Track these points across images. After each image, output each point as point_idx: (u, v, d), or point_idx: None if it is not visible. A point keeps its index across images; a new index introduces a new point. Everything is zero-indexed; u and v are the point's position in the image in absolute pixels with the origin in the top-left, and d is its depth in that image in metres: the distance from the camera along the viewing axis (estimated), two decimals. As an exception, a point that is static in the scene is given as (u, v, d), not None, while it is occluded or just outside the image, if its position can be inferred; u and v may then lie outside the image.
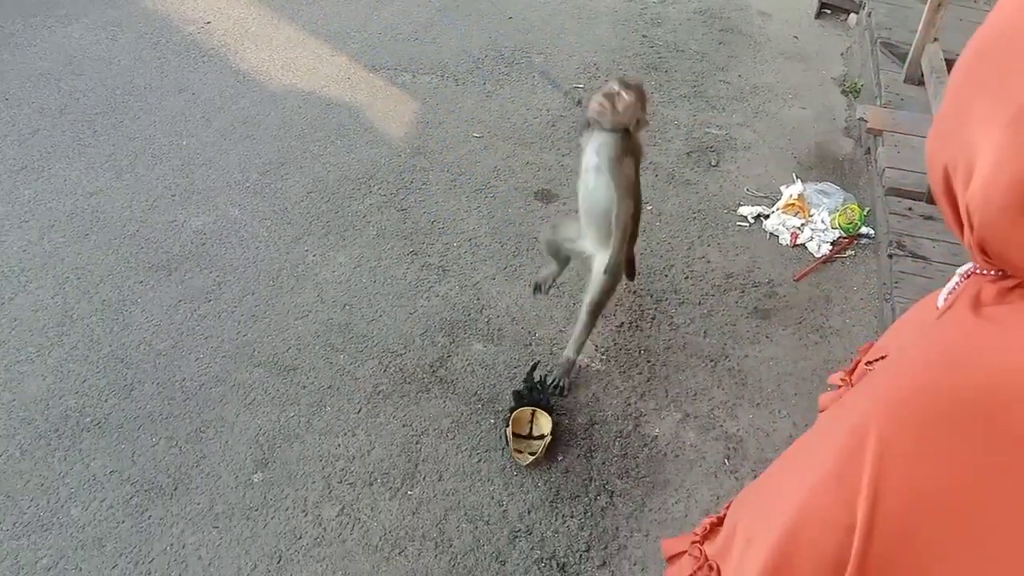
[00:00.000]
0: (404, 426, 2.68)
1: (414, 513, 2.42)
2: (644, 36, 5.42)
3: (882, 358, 1.06)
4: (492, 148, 4.13)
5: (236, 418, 2.65)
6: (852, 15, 5.78)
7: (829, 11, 5.91)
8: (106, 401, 2.67)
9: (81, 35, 4.86)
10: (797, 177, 3.98)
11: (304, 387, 2.79)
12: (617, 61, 5.06)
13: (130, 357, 2.83)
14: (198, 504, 2.38)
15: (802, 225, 3.63)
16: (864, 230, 3.62)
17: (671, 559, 1.34)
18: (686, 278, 3.39)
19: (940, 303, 0.93)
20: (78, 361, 2.80)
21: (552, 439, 2.59)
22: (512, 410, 2.65)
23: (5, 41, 4.72)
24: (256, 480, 2.47)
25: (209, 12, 5.22)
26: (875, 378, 0.93)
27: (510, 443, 2.57)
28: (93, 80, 4.42)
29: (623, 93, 2.48)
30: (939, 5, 4.02)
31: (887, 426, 0.81)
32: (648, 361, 2.99)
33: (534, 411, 2.67)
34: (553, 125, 4.35)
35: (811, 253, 3.55)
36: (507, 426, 2.60)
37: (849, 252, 3.58)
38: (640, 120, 2.54)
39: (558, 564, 2.33)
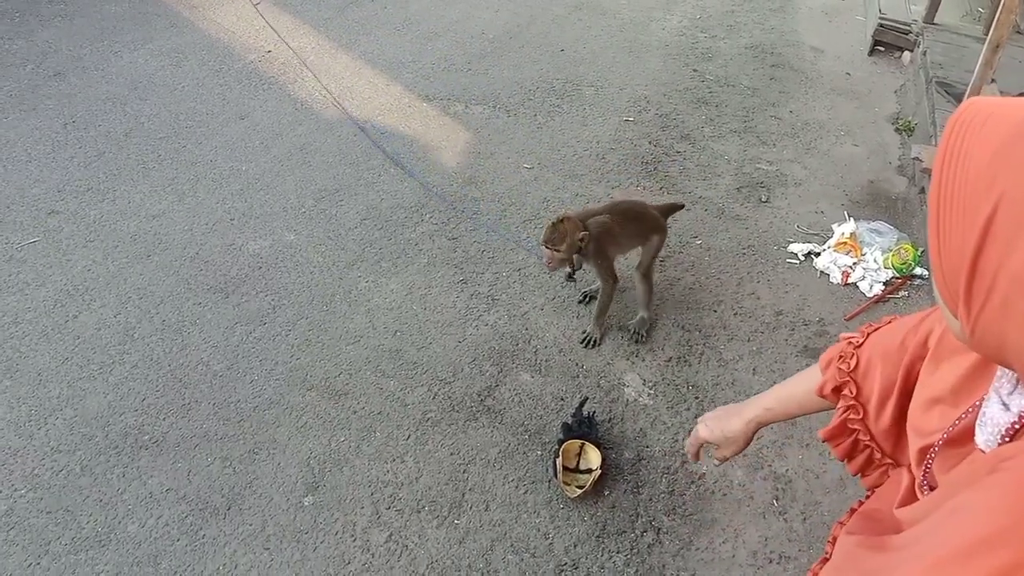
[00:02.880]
0: (452, 454, 2.70)
1: (460, 543, 2.43)
2: (695, 70, 5.45)
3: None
4: (542, 179, 4.17)
5: (288, 441, 2.70)
6: (906, 53, 5.75)
7: (883, 48, 5.89)
8: (164, 420, 2.74)
9: (146, 61, 5.04)
10: (849, 215, 3.96)
11: (355, 412, 2.83)
12: (667, 94, 5.09)
13: (188, 377, 2.90)
14: (250, 525, 2.43)
15: (854, 264, 3.60)
16: (918, 271, 3.58)
17: None
18: (735, 314, 3.38)
19: (995, 437, 0.88)
20: (138, 380, 2.88)
21: (601, 473, 2.60)
22: (561, 442, 2.66)
23: (73, 65, 4.91)
24: (307, 503, 2.51)
25: (270, 41, 5.38)
26: (1004, 478, 0.82)
27: (559, 474, 2.58)
28: (157, 105, 4.57)
29: (548, 252, 2.94)
30: (997, 46, 3.98)
31: None
32: (696, 397, 2.98)
33: (583, 444, 2.67)
34: (603, 158, 4.38)
35: (863, 293, 3.52)
36: (557, 456, 2.60)
37: (902, 293, 3.54)
38: (578, 240, 2.90)
39: (603, 600, 2.33)
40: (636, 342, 3.19)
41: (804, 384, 1.37)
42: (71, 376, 2.88)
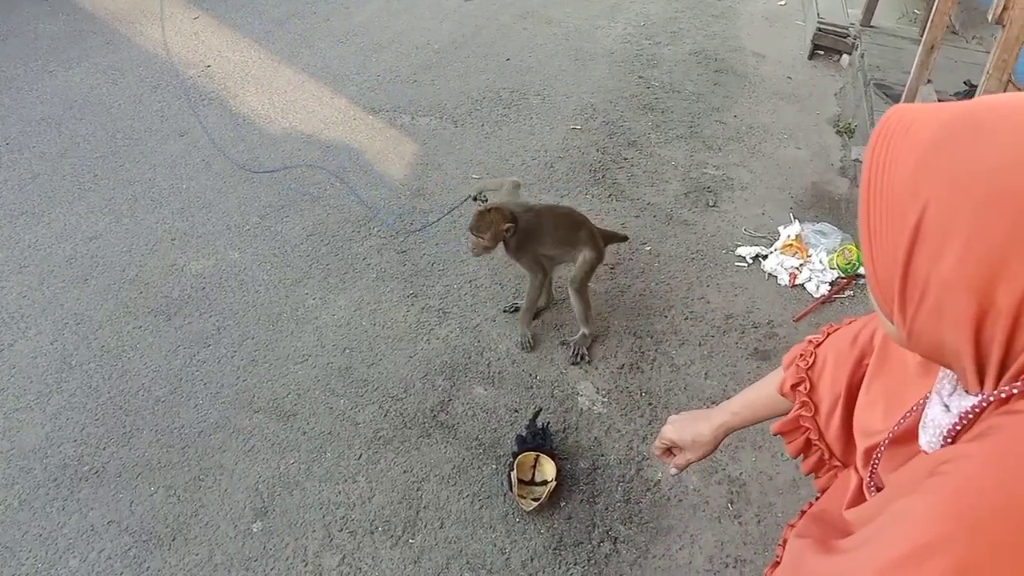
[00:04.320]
0: (405, 472, 2.66)
1: (416, 562, 2.39)
2: (640, 77, 5.48)
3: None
4: (491, 190, 4.14)
5: (235, 465, 2.63)
6: (845, 56, 5.86)
7: (822, 52, 6.00)
8: (104, 449, 2.65)
9: (82, 79, 4.91)
10: (795, 217, 4.01)
11: (304, 433, 2.77)
12: (613, 102, 5.12)
13: (129, 404, 2.81)
14: (196, 555, 2.35)
15: (800, 265, 3.65)
16: (862, 271, 3.62)
17: None
18: (686, 319, 3.39)
19: (938, 438, 0.88)
20: (76, 409, 2.78)
21: (556, 485, 2.57)
22: (515, 455, 2.63)
23: (6, 86, 4.77)
24: (255, 529, 2.44)
25: (209, 56, 5.28)
26: (942, 482, 0.81)
27: (514, 488, 2.55)
28: (94, 124, 4.46)
29: (472, 238, 2.96)
30: (932, 47, 4.07)
31: (969, 550, 0.68)
32: (650, 404, 2.98)
33: (538, 456, 2.65)
34: (551, 167, 4.38)
35: (810, 293, 3.56)
36: (511, 470, 2.58)
37: (848, 292, 3.59)
38: (503, 230, 2.93)
39: (562, 614, 2.30)
40: (575, 363, 3.14)
41: (770, 385, 1.37)
42: (7, 407, 2.77)
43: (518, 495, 2.55)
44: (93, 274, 3.38)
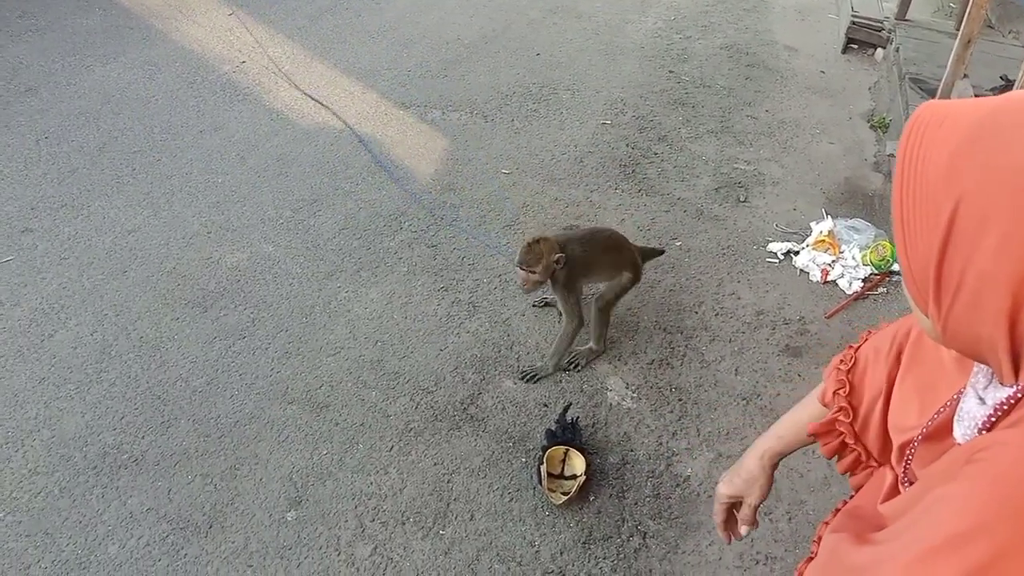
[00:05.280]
0: (435, 464, 2.69)
1: (446, 553, 2.42)
2: (671, 72, 5.46)
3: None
4: (520, 184, 4.17)
5: (270, 455, 2.67)
6: (879, 50, 5.80)
7: (856, 46, 5.93)
8: (143, 438, 2.70)
9: (119, 74, 4.99)
10: (827, 213, 3.98)
11: (336, 424, 2.81)
12: (644, 96, 5.10)
13: (167, 394, 2.87)
14: (232, 543, 2.40)
15: (833, 262, 3.62)
16: (896, 267, 3.60)
17: None
18: (716, 315, 3.39)
19: (972, 430, 0.88)
20: (116, 398, 2.84)
21: (586, 479, 2.59)
22: (545, 448, 2.65)
23: (45, 80, 4.86)
24: (290, 518, 2.48)
25: (244, 51, 5.35)
26: (979, 469, 0.82)
27: (544, 481, 2.57)
28: (131, 118, 4.53)
29: (522, 273, 2.83)
30: (968, 41, 4.02)
31: (1009, 536, 0.68)
32: (679, 399, 2.98)
33: (567, 450, 2.66)
34: (581, 162, 4.38)
35: (842, 290, 3.54)
36: (541, 464, 2.60)
37: (881, 289, 3.56)
38: (554, 262, 2.80)
39: (591, 606, 2.32)
40: (567, 368, 3.05)
41: (812, 401, 1.34)
42: (48, 396, 2.84)
43: (548, 489, 2.57)
44: (132, 266, 3.44)
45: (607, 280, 3.08)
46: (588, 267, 2.97)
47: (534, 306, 3.35)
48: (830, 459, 1.28)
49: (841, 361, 1.27)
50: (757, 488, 1.38)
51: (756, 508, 1.40)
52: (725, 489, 1.41)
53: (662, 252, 3.42)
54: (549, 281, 2.90)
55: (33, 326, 3.11)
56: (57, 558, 2.32)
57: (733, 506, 1.43)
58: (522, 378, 3.00)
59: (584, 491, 2.60)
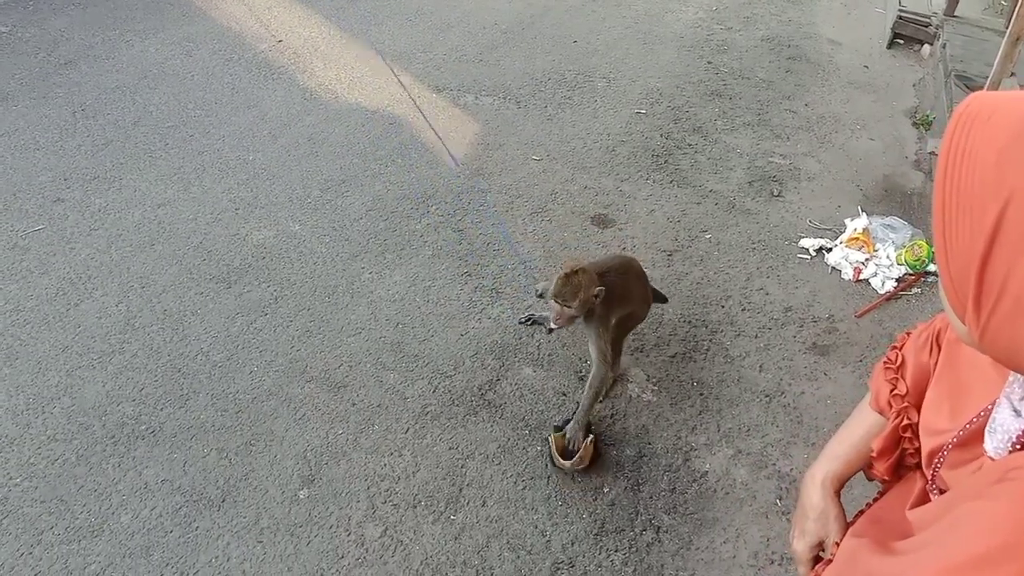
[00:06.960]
0: (450, 449, 2.67)
1: (456, 539, 2.40)
2: (709, 63, 5.37)
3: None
4: (551, 171, 4.12)
5: (285, 433, 2.67)
6: (926, 46, 5.65)
7: (902, 41, 5.79)
8: (162, 410, 2.72)
9: (157, 50, 5.03)
10: (863, 210, 3.88)
11: (353, 404, 2.80)
12: (680, 87, 5.03)
13: (187, 367, 2.88)
14: (244, 517, 2.41)
15: (866, 260, 3.53)
16: (932, 268, 3.50)
17: None
18: (743, 310, 3.32)
19: (1005, 444, 0.83)
20: (137, 369, 2.86)
21: (594, 450, 2.59)
22: (557, 428, 2.65)
23: (84, 54, 4.91)
24: (302, 496, 2.48)
25: (281, 31, 5.36)
26: (1011, 489, 0.79)
27: (553, 446, 2.58)
28: (166, 94, 4.56)
29: (557, 308, 2.50)
30: (1017, 39, 3.88)
31: None
32: (701, 394, 2.93)
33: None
34: (613, 151, 4.33)
35: (874, 289, 3.45)
36: (550, 434, 2.62)
37: (915, 290, 3.47)
38: (592, 296, 2.49)
39: (600, 599, 2.29)
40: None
41: (865, 414, 1.24)
42: (70, 365, 2.87)
43: (559, 454, 2.58)
44: (160, 240, 3.47)
45: (637, 313, 2.86)
46: (626, 298, 2.72)
47: (520, 323, 3.17)
48: (880, 479, 1.17)
49: (886, 362, 1.20)
50: (832, 521, 1.22)
51: (837, 541, 1.21)
52: (800, 545, 1.25)
53: (664, 300, 3.14)
54: (584, 317, 2.59)
55: (60, 295, 3.15)
56: (71, 525, 2.34)
57: (817, 557, 1.26)
58: (556, 430, 2.66)
59: (598, 481, 2.57)
